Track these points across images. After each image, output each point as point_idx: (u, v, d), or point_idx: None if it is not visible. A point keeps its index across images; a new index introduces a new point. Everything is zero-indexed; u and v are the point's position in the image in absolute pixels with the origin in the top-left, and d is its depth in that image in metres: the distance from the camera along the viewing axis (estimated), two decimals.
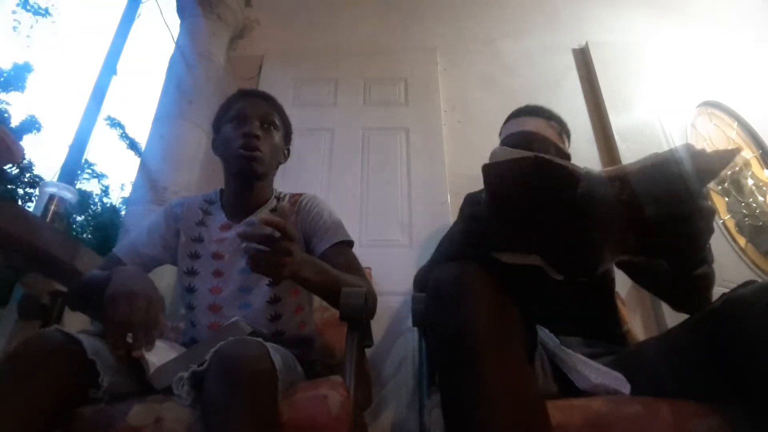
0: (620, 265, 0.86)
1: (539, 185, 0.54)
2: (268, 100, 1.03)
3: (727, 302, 0.53)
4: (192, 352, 0.72)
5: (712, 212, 0.56)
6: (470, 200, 1.12)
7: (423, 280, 0.90)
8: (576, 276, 0.60)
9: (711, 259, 0.63)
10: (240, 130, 0.94)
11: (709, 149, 0.55)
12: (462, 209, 1.13)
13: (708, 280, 0.66)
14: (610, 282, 0.93)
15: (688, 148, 0.54)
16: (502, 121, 1.14)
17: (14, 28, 10.84)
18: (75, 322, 1.02)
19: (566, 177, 0.53)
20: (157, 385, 0.67)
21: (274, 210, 0.99)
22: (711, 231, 0.58)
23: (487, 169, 0.55)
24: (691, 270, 0.63)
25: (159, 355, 0.71)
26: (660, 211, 0.54)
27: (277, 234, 0.65)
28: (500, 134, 1.08)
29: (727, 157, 0.55)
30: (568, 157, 1.00)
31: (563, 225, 0.55)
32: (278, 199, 1.02)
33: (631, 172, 0.54)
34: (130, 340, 0.65)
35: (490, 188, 0.56)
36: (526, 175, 0.53)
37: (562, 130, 1.02)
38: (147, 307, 0.66)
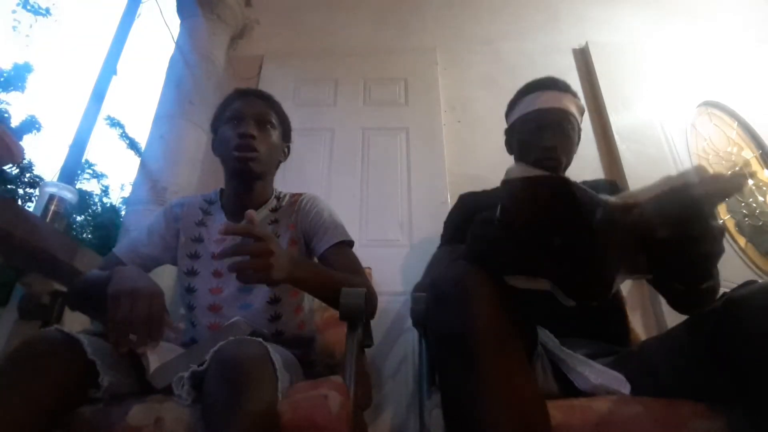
0: None
1: (558, 208, 0.53)
2: (264, 98, 1.01)
3: (728, 302, 0.53)
4: (192, 352, 0.72)
5: (721, 232, 0.56)
6: (465, 200, 1.10)
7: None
8: (586, 300, 0.59)
9: (717, 274, 0.63)
10: (236, 131, 0.93)
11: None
12: (453, 210, 1.10)
13: (712, 293, 0.66)
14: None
15: (700, 171, 0.53)
16: (503, 121, 1.13)
17: (14, 27, 10.82)
18: (75, 322, 1.02)
19: (586, 202, 0.52)
20: (157, 384, 0.67)
21: (273, 210, 0.99)
22: (722, 251, 0.58)
23: (508, 185, 0.53)
24: (697, 284, 0.63)
25: (159, 355, 0.71)
26: (674, 235, 0.53)
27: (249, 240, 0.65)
28: (517, 104, 1.03)
29: (737, 182, 0.54)
30: (580, 135, 1.00)
31: (577, 250, 0.54)
32: (278, 198, 1.02)
33: (648, 200, 0.53)
34: (133, 338, 0.65)
35: (510, 205, 0.54)
36: (548, 196, 0.52)
37: (582, 107, 1.01)
38: (150, 305, 0.66)
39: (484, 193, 1.09)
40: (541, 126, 0.95)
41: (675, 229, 0.53)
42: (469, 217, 0.95)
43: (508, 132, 1.09)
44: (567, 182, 0.51)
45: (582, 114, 1.01)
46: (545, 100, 0.97)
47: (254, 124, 0.94)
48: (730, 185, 0.54)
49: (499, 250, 0.57)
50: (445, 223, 1.09)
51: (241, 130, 0.92)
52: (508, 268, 0.58)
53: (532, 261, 0.57)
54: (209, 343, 0.67)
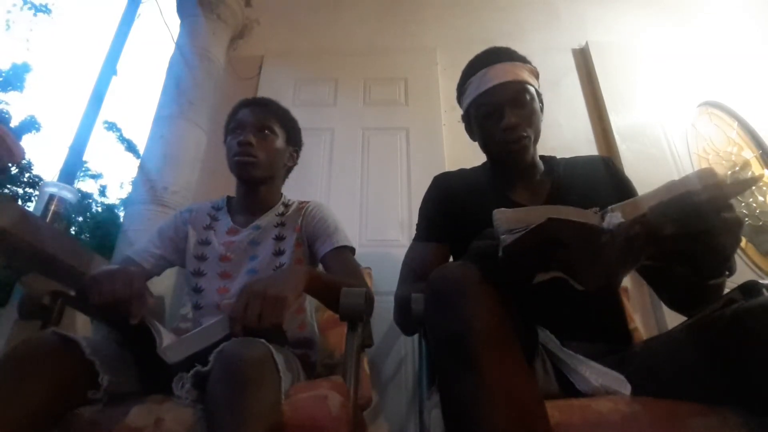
0: None
1: (559, 244, 0.53)
2: (266, 105, 1.05)
3: (738, 312, 0.51)
4: (204, 331, 0.71)
5: (738, 223, 0.54)
6: (439, 183, 1.01)
7: (404, 300, 0.81)
8: (596, 288, 0.58)
9: (733, 270, 0.62)
10: (236, 139, 0.98)
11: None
12: (427, 197, 1.01)
13: (715, 292, 0.65)
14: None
15: (704, 176, 0.51)
16: None
17: (7, 27, 10.79)
18: (77, 322, 1.02)
19: (586, 233, 0.52)
20: (169, 359, 0.65)
21: (280, 215, 1.02)
22: (737, 242, 0.56)
23: (508, 249, 0.52)
24: (709, 278, 0.62)
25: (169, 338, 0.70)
26: (681, 232, 0.53)
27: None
28: (465, 86, 0.92)
29: (745, 184, 0.55)
30: (541, 97, 0.91)
31: (585, 260, 0.55)
32: (286, 205, 1.06)
33: (650, 210, 0.52)
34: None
35: (510, 262, 0.54)
36: (545, 240, 0.52)
37: (535, 70, 0.91)
38: (129, 282, 0.67)
39: (460, 172, 1.02)
40: (498, 105, 0.85)
41: (682, 227, 0.52)
42: (444, 209, 0.94)
43: (465, 119, 0.98)
44: (560, 222, 0.50)
45: (537, 77, 0.91)
46: (494, 75, 0.86)
47: (254, 131, 0.99)
48: (738, 188, 0.54)
49: (508, 274, 0.57)
50: (420, 210, 1.01)
51: (239, 138, 0.98)
52: (524, 282, 0.59)
53: (541, 268, 0.57)
54: (221, 323, 0.67)
